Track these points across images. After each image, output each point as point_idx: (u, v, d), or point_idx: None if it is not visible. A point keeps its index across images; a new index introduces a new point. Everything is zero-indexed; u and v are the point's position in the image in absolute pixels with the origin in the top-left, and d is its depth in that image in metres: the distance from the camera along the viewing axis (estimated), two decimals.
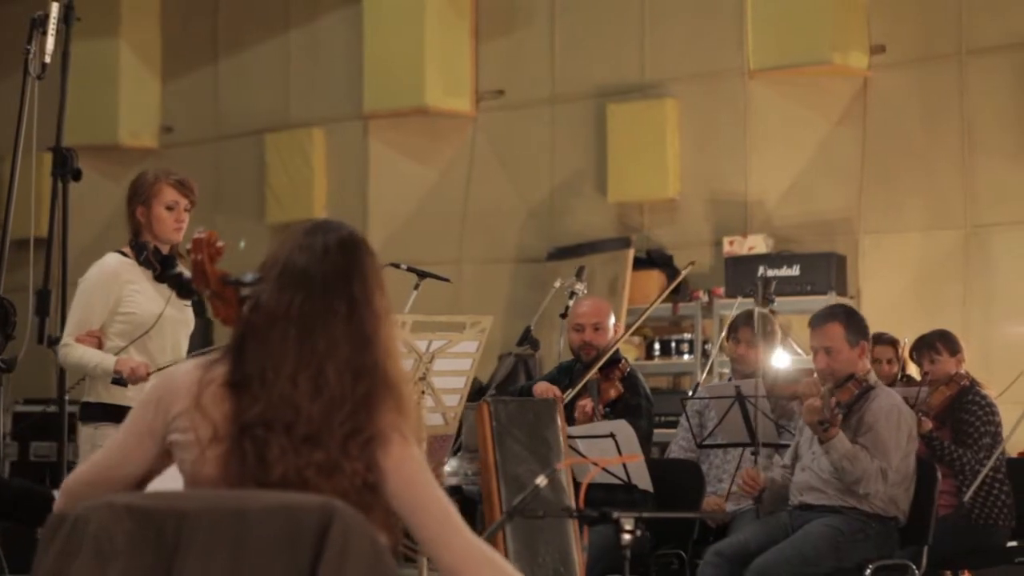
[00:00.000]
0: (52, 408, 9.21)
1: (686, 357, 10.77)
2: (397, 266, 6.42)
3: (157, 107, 13.21)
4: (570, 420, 6.27)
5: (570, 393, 6.34)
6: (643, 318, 7.52)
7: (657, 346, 10.92)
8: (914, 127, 10.54)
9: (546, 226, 11.71)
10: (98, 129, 12.90)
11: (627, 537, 3.73)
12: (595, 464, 3.78)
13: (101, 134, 12.91)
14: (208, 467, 2.86)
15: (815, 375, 5.90)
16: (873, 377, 6.17)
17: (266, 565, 2.64)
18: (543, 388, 6.42)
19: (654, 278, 11.04)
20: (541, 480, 3.61)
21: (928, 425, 6.66)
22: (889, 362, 7.55)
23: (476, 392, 10.32)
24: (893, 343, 7.58)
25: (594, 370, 6.44)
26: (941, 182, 10.38)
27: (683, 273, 8.09)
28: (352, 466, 2.85)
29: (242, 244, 11.91)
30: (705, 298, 10.71)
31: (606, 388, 6.38)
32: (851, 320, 6.02)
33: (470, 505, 6.29)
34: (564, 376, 6.73)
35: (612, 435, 5.41)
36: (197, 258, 3.10)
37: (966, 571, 7.68)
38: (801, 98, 10.82)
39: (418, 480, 2.86)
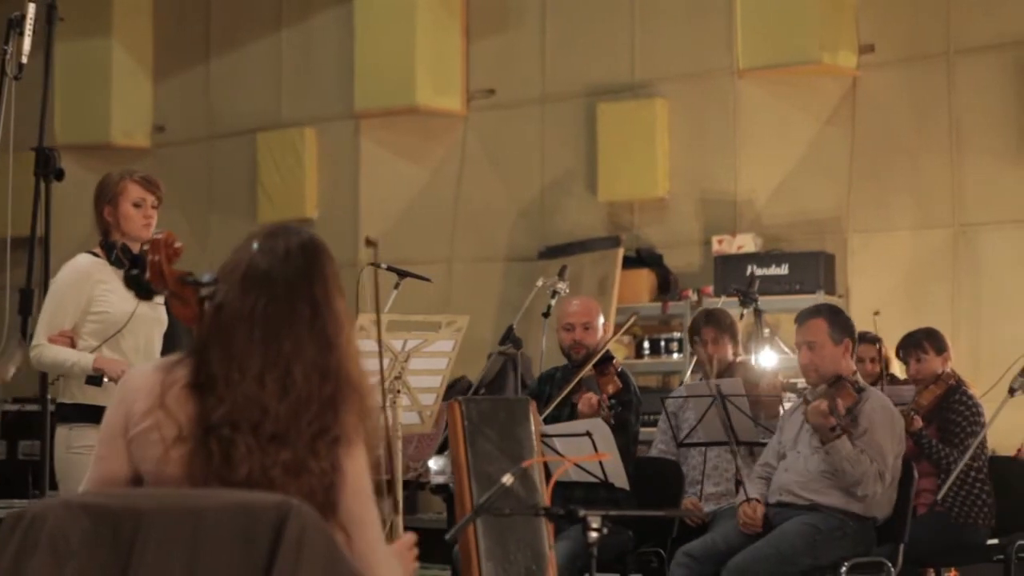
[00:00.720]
0: (33, 407, 9.24)
1: (675, 356, 10.80)
2: (377, 265, 6.41)
3: (149, 106, 13.24)
4: (572, 416, 6.29)
5: (565, 391, 6.35)
6: (630, 322, 7.51)
7: (647, 345, 10.94)
8: (903, 126, 10.57)
9: (537, 225, 11.73)
10: (90, 128, 12.95)
11: (593, 535, 3.76)
12: (565, 460, 3.81)
13: (93, 133, 12.96)
14: (172, 467, 2.88)
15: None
16: (860, 379, 6.20)
17: (222, 563, 2.67)
18: (589, 402, 6.32)
19: (644, 277, 11.08)
20: (507, 478, 3.63)
21: (918, 423, 6.69)
22: (872, 361, 7.56)
23: (465, 391, 10.38)
24: (875, 342, 7.59)
25: (588, 367, 6.43)
26: (929, 181, 10.41)
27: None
28: (319, 465, 2.89)
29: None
30: (694, 297, 10.73)
31: (604, 383, 6.38)
32: (836, 318, 6.06)
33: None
34: (545, 385, 6.74)
35: (588, 433, 5.43)
36: (154, 259, 3.13)
37: (953, 570, 7.72)
38: (790, 97, 10.85)
39: (364, 492, 2.92)
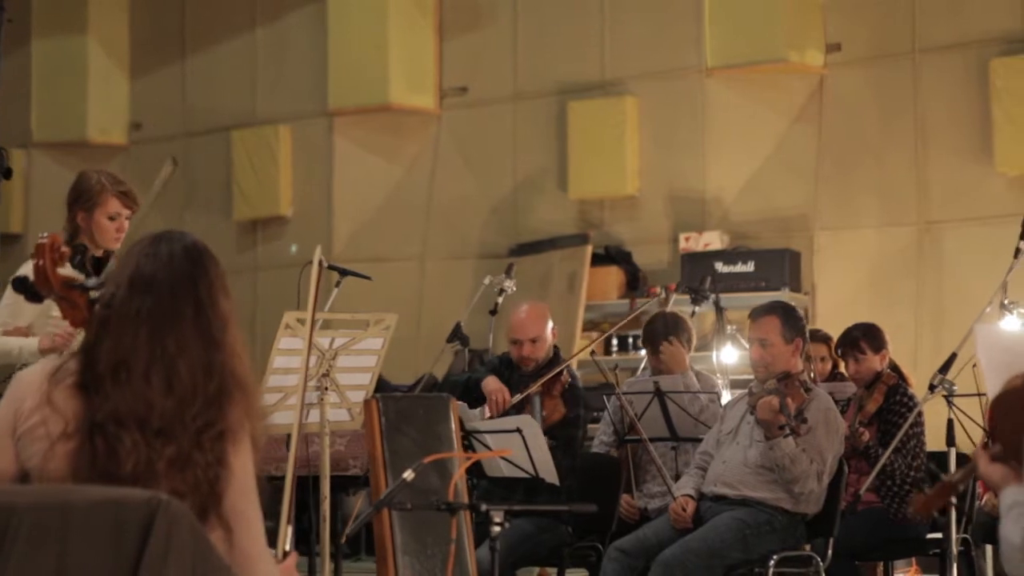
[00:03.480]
0: None
1: (643, 352, 10.83)
2: (322, 263, 6.47)
3: (126, 104, 13.30)
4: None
5: (516, 398, 6.38)
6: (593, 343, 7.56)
7: (615, 341, 11.01)
8: (869, 125, 10.64)
9: (509, 222, 11.81)
10: (67, 125, 13.04)
11: (496, 529, 3.84)
12: (469, 456, 3.89)
13: (70, 130, 13.04)
14: (56, 462, 2.97)
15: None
16: (808, 378, 6.27)
17: (92, 557, 2.74)
18: (495, 387, 6.39)
19: (612, 274, 11.15)
20: (408, 474, 3.72)
21: (867, 436, 6.71)
22: (823, 359, 7.59)
23: (430, 387, 10.44)
24: (827, 340, 7.63)
25: (535, 387, 6.43)
26: (895, 179, 10.49)
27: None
28: (205, 459, 2.99)
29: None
30: (662, 294, 10.78)
31: (549, 406, 6.40)
32: (788, 316, 6.11)
33: None
34: (506, 369, 6.72)
35: (519, 430, 5.51)
36: (39, 263, 3.22)
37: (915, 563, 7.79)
38: (758, 96, 10.92)
39: (248, 488, 3.01)
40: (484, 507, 3.76)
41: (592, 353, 7.14)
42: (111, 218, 5.48)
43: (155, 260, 3.08)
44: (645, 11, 11.33)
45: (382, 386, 10.53)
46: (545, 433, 6.09)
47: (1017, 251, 5.86)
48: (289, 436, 5.78)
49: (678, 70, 11.16)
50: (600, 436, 6.96)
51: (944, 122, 10.36)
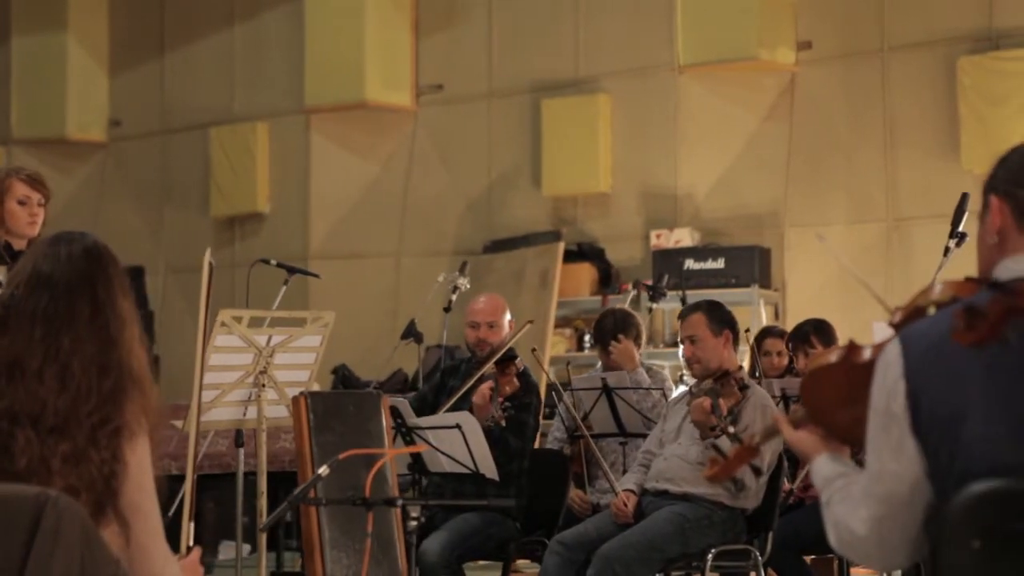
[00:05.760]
0: None
1: None
2: (266, 262, 6.57)
3: (105, 101, 13.39)
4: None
5: (466, 385, 6.45)
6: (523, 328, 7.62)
7: (587, 338, 11.06)
8: (839, 122, 10.71)
9: (483, 219, 11.88)
10: (47, 123, 13.12)
11: (412, 523, 3.91)
12: (385, 453, 3.97)
13: (50, 128, 13.13)
14: None
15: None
16: (746, 375, 6.33)
17: None
18: (482, 393, 6.43)
19: (585, 271, 11.22)
20: (324, 470, 3.79)
21: None
22: (779, 354, 7.66)
23: (402, 384, 10.53)
24: (782, 335, 7.70)
25: (489, 365, 6.53)
26: (864, 176, 10.56)
27: None
28: (100, 455, 3.05)
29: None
30: (633, 291, 10.86)
31: (503, 383, 6.48)
32: (713, 311, 6.22)
33: None
34: (448, 378, 6.80)
35: (458, 425, 5.57)
36: None
37: None
38: (730, 93, 10.99)
39: (145, 483, 3.07)
40: (400, 502, 3.83)
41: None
42: (21, 203, 5.54)
43: (53, 260, 3.15)
44: (618, 9, 11.41)
45: (351, 381, 10.65)
46: (505, 400, 6.21)
47: (947, 249, 5.92)
48: (238, 432, 5.89)
49: (650, 68, 11.24)
50: (554, 432, 7.04)
51: (913, 120, 10.43)
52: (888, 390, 2.51)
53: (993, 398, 2.43)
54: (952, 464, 2.45)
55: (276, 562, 7.77)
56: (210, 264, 4.48)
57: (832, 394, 2.69)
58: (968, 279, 2.51)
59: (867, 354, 2.64)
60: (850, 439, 2.68)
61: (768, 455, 5.89)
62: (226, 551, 8.26)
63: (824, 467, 2.68)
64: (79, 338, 3.08)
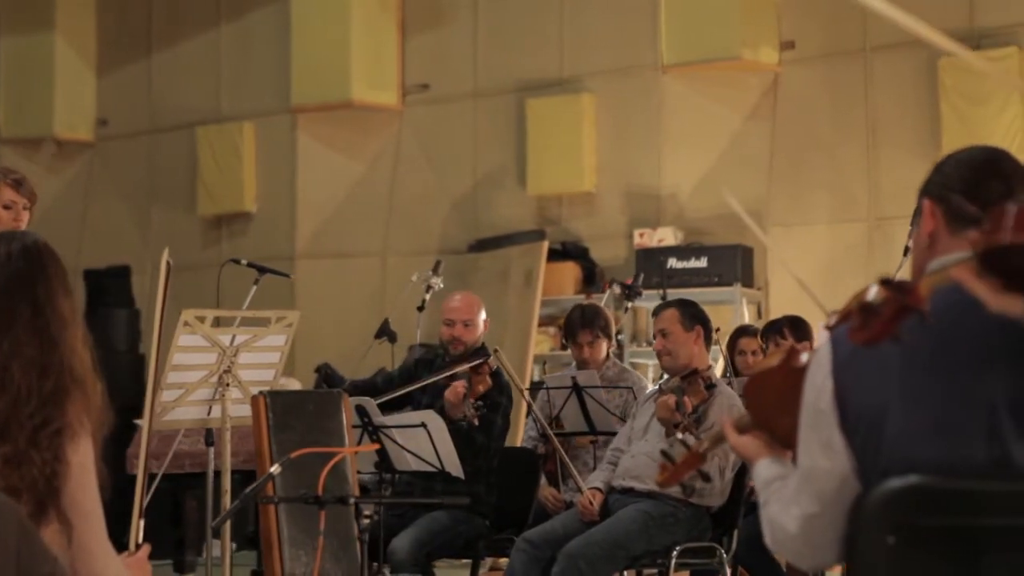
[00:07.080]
0: None
1: None
2: (237, 262, 6.61)
3: (93, 100, 13.42)
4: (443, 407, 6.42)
5: (446, 374, 6.48)
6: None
7: None
8: (821, 122, 10.74)
9: (469, 218, 11.91)
10: (34, 122, 13.15)
11: (365, 522, 3.94)
12: (340, 451, 4.00)
13: (37, 127, 13.17)
14: None
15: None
16: (715, 374, 6.38)
17: None
18: (455, 391, 6.46)
19: (569, 270, 11.25)
20: (275, 468, 3.82)
21: None
22: (754, 353, 7.68)
23: (387, 381, 10.53)
24: (756, 334, 7.72)
25: (463, 366, 6.54)
26: (846, 175, 10.59)
27: None
28: (41, 456, 3.07)
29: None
30: (616, 290, 10.88)
31: (476, 382, 6.52)
32: (686, 307, 6.30)
33: None
34: (423, 371, 6.84)
35: (423, 424, 5.60)
36: None
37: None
38: (713, 93, 11.02)
39: (88, 483, 3.08)
40: (352, 500, 3.86)
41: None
42: (6, 207, 5.56)
43: None
44: (602, 9, 11.44)
45: (333, 380, 10.66)
46: (477, 400, 6.25)
47: (906, 250, 5.94)
48: (208, 431, 5.92)
49: (634, 67, 11.27)
50: (528, 431, 7.07)
51: (894, 119, 10.45)
52: (817, 388, 2.55)
53: (909, 395, 2.48)
54: (877, 461, 2.49)
55: (257, 561, 7.80)
56: (168, 264, 4.51)
57: (773, 399, 2.72)
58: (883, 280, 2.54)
59: (804, 359, 2.67)
60: (791, 443, 2.71)
61: (733, 458, 5.91)
62: (215, 549, 8.30)
63: (764, 470, 2.72)
64: (18, 340, 3.07)
